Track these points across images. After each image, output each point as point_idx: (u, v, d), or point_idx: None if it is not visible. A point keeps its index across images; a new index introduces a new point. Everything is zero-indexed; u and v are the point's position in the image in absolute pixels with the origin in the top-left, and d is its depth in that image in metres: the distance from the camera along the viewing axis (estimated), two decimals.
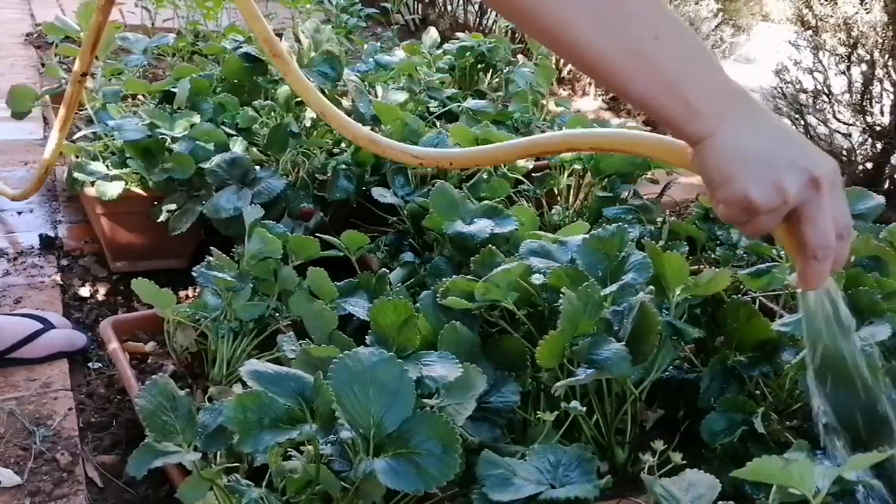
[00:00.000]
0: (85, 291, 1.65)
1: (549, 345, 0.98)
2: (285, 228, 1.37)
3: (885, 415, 0.81)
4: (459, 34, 2.78)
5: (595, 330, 1.02)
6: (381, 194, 1.61)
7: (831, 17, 2.46)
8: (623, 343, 1.00)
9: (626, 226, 1.18)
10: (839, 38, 2.46)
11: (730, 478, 0.71)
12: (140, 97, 2.06)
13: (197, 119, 1.79)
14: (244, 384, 0.83)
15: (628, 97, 0.76)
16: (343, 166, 1.74)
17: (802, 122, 2.60)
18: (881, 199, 1.38)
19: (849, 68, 2.46)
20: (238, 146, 1.78)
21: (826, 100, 2.53)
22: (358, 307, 1.22)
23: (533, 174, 1.84)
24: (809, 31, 2.55)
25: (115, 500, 1.13)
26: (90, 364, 1.40)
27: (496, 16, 4.07)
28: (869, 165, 2.48)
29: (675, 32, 0.75)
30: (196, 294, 1.56)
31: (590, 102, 3.76)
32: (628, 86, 0.75)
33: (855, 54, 2.44)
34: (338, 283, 1.25)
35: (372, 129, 1.89)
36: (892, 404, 0.81)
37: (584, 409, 0.99)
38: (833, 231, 0.73)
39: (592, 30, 0.72)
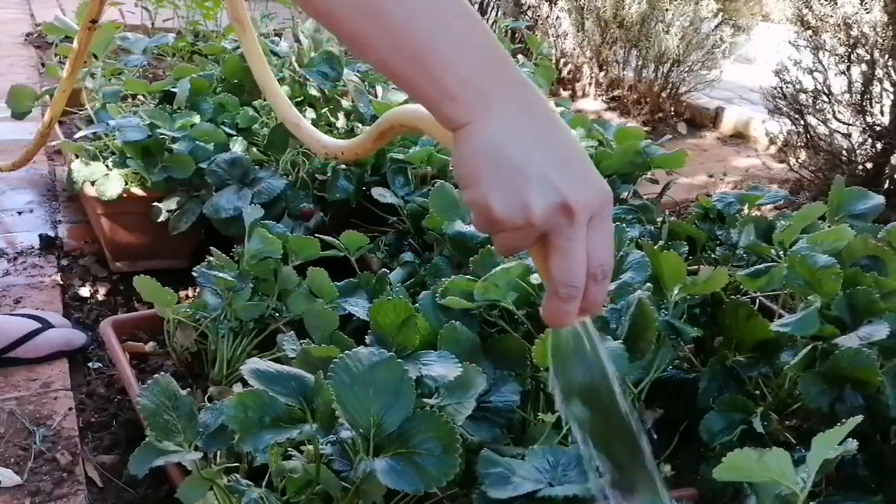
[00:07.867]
0: (85, 291, 1.65)
1: (546, 343, 0.98)
2: (285, 228, 1.37)
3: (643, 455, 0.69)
4: None
5: None
6: (381, 194, 1.61)
7: (831, 17, 2.46)
8: (620, 341, 1.00)
9: (623, 225, 1.18)
10: (839, 38, 2.46)
11: (731, 482, 0.68)
12: (140, 97, 2.06)
13: (197, 119, 1.79)
14: (244, 384, 0.83)
15: (377, 68, 0.65)
16: (343, 166, 1.74)
17: (802, 122, 2.60)
18: (881, 198, 1.39)
19: (849, 68, 2.46)
20: (238, 146, 1.78)
21: (826, 100, 2.53)
22: (358, 307, 1.22)
23: None
24: (809, 31, 2.55)
25: (115, 499, 1.13)
26: (90, 364, 1.41)
27: (495, 15, 4.07)
28: (869, 165, 2.48)
29: None
30: (196, 294, 1.56)
31: (590, 103, 3.76)
32: (368, 53, 0.64)
33: (855, 54, 2.44)
34: (338, 283, 1.25)
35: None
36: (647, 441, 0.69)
37: None
38: (583, 268, 0.62)
39: None
